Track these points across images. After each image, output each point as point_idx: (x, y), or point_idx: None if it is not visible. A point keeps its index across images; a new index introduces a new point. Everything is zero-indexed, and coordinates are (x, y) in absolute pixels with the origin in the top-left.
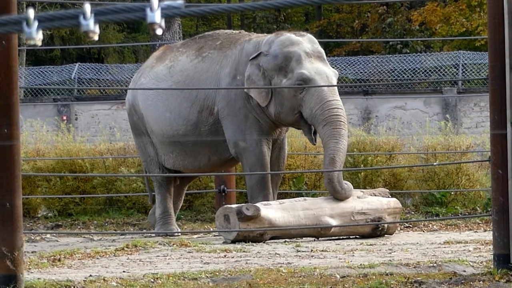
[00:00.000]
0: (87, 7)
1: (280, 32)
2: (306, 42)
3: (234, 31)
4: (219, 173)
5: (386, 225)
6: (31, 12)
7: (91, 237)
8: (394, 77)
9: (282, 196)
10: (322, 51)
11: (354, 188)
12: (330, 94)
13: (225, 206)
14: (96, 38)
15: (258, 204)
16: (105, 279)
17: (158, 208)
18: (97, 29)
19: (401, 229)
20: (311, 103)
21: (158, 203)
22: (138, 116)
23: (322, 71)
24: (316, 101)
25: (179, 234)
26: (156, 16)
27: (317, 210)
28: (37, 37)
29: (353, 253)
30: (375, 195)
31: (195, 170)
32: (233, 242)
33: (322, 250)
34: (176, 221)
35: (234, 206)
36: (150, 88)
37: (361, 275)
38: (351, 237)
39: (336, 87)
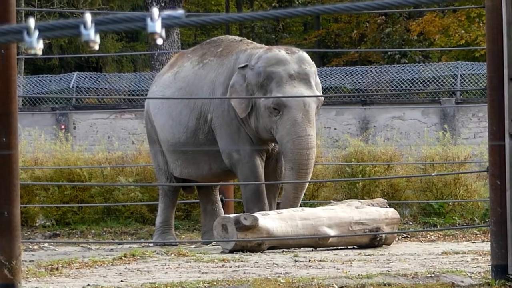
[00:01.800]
0: (88, 16)
1: (271, 47)
2: (293, 62)
3: (236, 38)
4: (215, 183)
5: (384, 236)
6: (31, 22)
7: (89, 246)
8: (392, 87)
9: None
10: (310, 71)
11: (352, 198)
12: (303, 127)
13: (223, 215)
14: (96, 47)
15: (256, 214)
16: None
17: (159, 216)
18: (97, 38)
19: (399, 239)
20: (283, 131)
21: (159, 212)
22: (151, 124)
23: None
24: (287, 132)
25: (177, 243)
26: (156, 26)
27: (315, 220)
28: (38, 46)
29: (351, 263)
30: (373, 205)
31: (199, 179)
32: (231, 252)
33: (320, 260)
34: (174, 231)
35: (232, 216)
36: (154, 97)
37: (359, 285)
38: (349, 247)
39: (313, 114)
